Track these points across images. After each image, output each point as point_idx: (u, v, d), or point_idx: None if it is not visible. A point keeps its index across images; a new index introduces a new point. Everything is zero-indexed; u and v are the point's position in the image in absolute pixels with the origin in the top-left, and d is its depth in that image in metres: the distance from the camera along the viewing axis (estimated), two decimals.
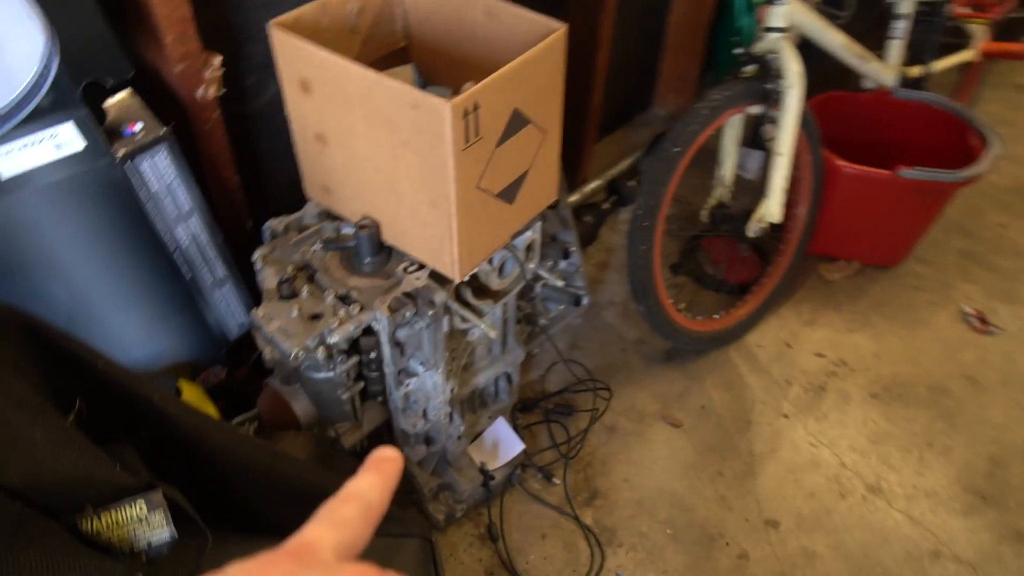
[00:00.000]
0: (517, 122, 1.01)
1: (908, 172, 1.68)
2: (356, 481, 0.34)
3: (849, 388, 1.64)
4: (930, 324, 1.79)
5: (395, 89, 0.91)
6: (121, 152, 0.94)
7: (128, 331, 1.12)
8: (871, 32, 2.08)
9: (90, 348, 0.79)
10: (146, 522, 0.74)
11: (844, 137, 1.92)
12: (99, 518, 0.71)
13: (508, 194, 1.08)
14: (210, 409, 1.21)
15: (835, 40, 1.64)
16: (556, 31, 1.01)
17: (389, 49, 1.23)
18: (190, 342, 1.20)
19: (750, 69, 1.52)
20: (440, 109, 0.87)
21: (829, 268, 1.91)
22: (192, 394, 1.20)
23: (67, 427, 0.74)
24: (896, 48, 1.95)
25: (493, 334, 1.18)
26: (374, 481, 0.35)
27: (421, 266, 1.11)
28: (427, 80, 1.26)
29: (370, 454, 0.36)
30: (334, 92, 0.99)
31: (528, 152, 1.07)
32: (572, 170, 2.07)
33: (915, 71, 1.93)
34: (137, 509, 0.73)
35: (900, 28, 1.93)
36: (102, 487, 0.73)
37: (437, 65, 1.24)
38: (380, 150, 1.00)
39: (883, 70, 1.87)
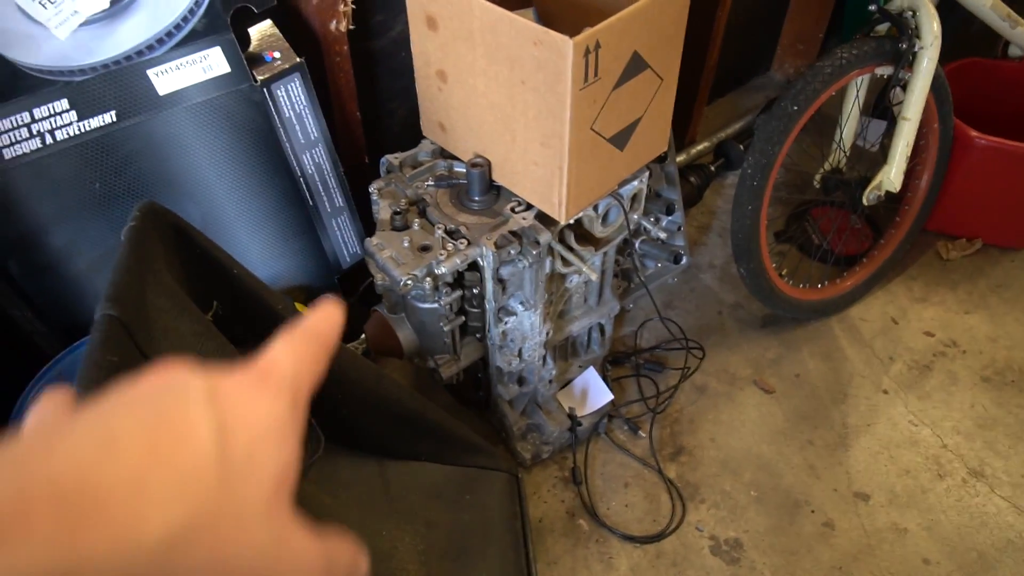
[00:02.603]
0: (636, 66, 1.01)
1: None
2: (308, 318, 0.35)
3: (958, 369, 1.56)
4: None
5: (518, 25, 0.93)
6: (260, 77, 1.00)
7: (252, 250, 1.20)
8: None
9: (227, 254, 0.86)
10: None
11: (980, 108, 1.80)
12: None
13: (620, 140, 1.08)
14: None
15: None
16: None
17: None
18: (307, 267, 1.28)
19: (882, 27, 1.44)
20: (562, 46, 0.89)
21: (947, 246, 1.81)
22: None
23: (207, 322, 0.81)
24: None
25: (594, 276, 1.20)
26: (323, 317, 0.35)
27: (529, 206, 1.14)
28: (546, 25, 1.27)
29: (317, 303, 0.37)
30: (458, 28, 1.01)
31: (643, 98, 1.07)
32: (681, 129, 2.04)
33: None
34: None
35: None
36: None
37: (557, 10, 1.25)
38: (498, 88, 1.03)
39: None
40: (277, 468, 0.29)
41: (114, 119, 0.94)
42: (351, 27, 1.14)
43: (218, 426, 0.27)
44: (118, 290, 0.68)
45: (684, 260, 1.62)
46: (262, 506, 0.28)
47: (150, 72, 0.92)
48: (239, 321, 0.91)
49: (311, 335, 0.34)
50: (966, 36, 1.88)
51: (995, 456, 1.41)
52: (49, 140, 0.91)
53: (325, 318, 0.35)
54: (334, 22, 1.10)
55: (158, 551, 0.24)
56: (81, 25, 0.85)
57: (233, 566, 0.27)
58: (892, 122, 1.49)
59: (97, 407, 0.27)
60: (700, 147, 2.03)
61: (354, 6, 1.13)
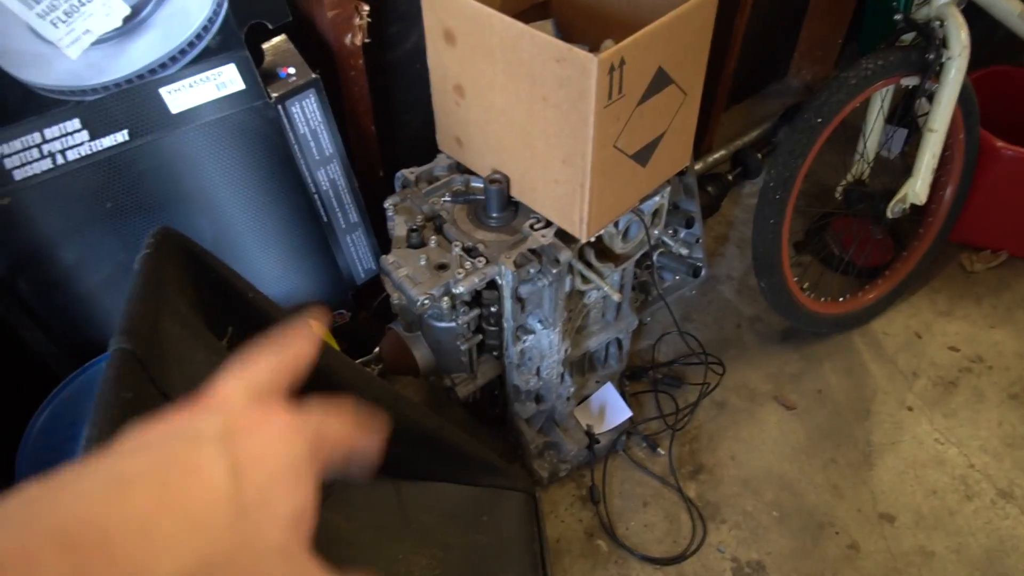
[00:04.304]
0: (660, 81, 0.98)
1: None
2: (272, 337, 0.34)
3: (984, 386, 1.53)
4: None
5: (540, 41, 0.90)
6: (275, 94, 0.98)
7: (265, 268, 1.18)
8: None
9: (242, 278, 0.84)
10: None
11: (1005, 117, 1.76)
12: None
13: (642, 156, 1.06)
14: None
15: (1010, 8, 1.50)
16: None
17: (530, 3, 1.22)
18: (320, 283, 1.26)
19: (908, 37, 1.41)
20: (586, 63, 0.86)
21: (972, 258, 1.78)
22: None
23: (222, 349, 0.79)
24: None
25: (617, 297, 1.17)
26: (292, 333, 0.34)
27: (548, 224, 1.11)
28: (566, 36, 1.24)
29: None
30: (477, 43, 0.99)
31: (667, 113, 1.05)
32: (697, 137, 1.99)
33: None
34: None
35: None
36: None
37: (577, 22, 1.22)
38: (518, 104, 1.00)
39: None
40: (293, 509, 0.28)
41: (127, 138, 0.91)
42: (366, 40, 1.12)
43: (232, 465, 0.27)
44: (132, 322, 0.65)
45: (703, 273, 1.59)
46: (278, 548, 0.27)
47: (163, 90, 0.90)
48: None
49: (269, 347, 0.33)
50: (989, 44, 1.84)
51: None
52: (60, 160, 0.89)
53: (291, 333, 0.35)
54: (349, 36, 1.08)
55: None
56: (93, 44, 0.83)
57: None
58: (914, 131, 1.46)
59: (108, 451, 0.26)
60: (717, 155, 2.00)
61: (370, 19, 1.10)
